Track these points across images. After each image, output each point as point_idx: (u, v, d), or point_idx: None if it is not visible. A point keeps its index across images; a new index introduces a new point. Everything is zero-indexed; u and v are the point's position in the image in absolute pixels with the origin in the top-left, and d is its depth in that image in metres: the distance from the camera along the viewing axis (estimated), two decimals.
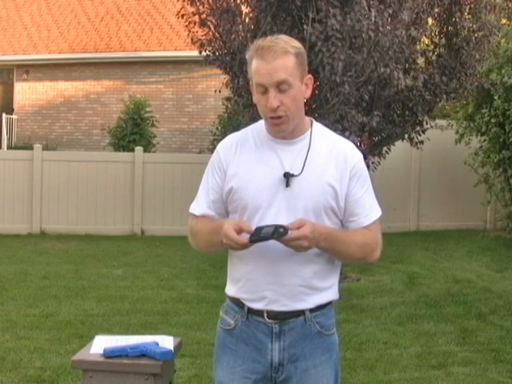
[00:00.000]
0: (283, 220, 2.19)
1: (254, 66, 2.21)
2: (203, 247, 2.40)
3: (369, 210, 2.30)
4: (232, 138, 2.37)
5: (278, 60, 2.17)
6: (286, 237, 2.11)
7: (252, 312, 2.29)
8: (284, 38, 2.25)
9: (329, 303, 2.32)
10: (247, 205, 2.24)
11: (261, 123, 2.35)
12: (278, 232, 2.10)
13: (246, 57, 2.28)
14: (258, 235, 2.12)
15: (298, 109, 2.25)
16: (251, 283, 2.28)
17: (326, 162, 2.26)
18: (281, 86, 2.18)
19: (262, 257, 2.23)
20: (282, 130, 2.24)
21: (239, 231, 2.14)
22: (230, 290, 2.37)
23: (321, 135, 2.32)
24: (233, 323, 2.33)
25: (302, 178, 2.22)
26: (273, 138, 2.29)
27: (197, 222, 2.36)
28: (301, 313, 2.27)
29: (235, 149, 2.32)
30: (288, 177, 2.22)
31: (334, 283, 2.34)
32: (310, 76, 2.29)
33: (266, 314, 2.26)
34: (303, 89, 2.25)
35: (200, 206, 2.36)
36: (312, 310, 2.27)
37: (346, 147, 2.31)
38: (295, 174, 2.22)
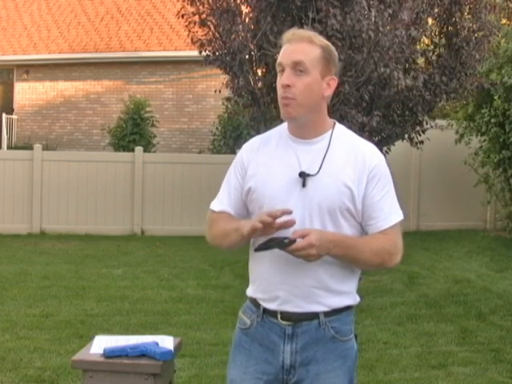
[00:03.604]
0: (298, 219, 2.18)
1: (281, 50, 2.25)
2: (219, 240, 2.37)
3: (387, 214, 2.26)
4: (256, 138, 2.41)
5: (301, 44, 2.21)
6: (293, 246, 2.10)
7: (267, 312, 2.28)
8: (314, 32, 2.31)
9: (347, 308, 2.29)
10: (263, 205, 2.24)
11: (284, 124, 2.36)
12: (281, 243, 2.10)
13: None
14: (265, 245, 2.13)
15: (311, 100, 2.22)
16: (265, 283, 2.28)
17: (344, 162, 2.24)
18: (297, 68, 2.19)
19: (276, 256, 2.21)
20: (290, 114, 2.23)
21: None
22: (249, 290, 2.38)
23: (342, 136, 2.31)
24: (249, 323, 2.33)
25: (319, 178, 2.21)
26: (293, 137, 2.29)
27: (217, 216, 2.36)
28: (315, 316, 2.24)
29: (257, 149, 2.34)
30: (304, 176, 2.21)
31: (353, 288, 2.31)
32: (334, 78, 2.27)
33: (279, 315, 2.26)
34: (323, 85, 2.24)
35: (220, 203, 2.37)
36: (327, 314, 2.25)
37: (366, 149, 2.29)
38: (311, 173, 2.21)
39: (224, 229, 2.32)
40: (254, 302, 2.33)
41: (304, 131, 2.27)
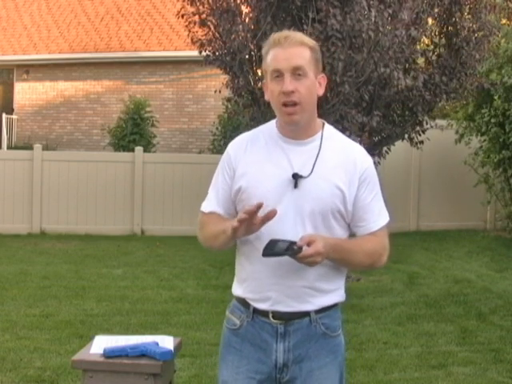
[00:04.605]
0: (290, 221, 2.19)
1: (271, 54, 2.22)
2: (210, 242, 2.37)
3: (377, 216, 2.30)
4: (243, 137, 2.38)
5: (295, 48, 2.20)
6: (302, 254, 2.10)
7: (257, 312, 2.28)
8: (299, 32, 2.30)
9: (334, 305, 2.32)
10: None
11: (272, 123, 2.35)
12: (291, 249, 2.10)
13: (262, 53, 2.28)
14: (272, 250, 2.11)
15: (311, 102, 2.24)
16: (256, 283, 2.27)
17: (335, 165, 2.25)
18: (297, 73, 2.18)
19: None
20: (295, 120, 2.22)
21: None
22: (237, 289, 2.37)
23: (332, 138, 2.31)
24: (238, 323, 2.33)
25: (311, 179, 2.22)
26: (284, 137, 2.28)
27: (206, 218, 2.37)
28: (306, 314, 2.26)
29: (245, 148, 2.32)
30: (297, 178, 2.21)
31: (340, 285, 2.34)
32: (323, 75, 2.29)
33: (271, 315, 2.26)
34: (317, 85, 2.25)
35: (210, 204, 2.37)
36: (317, 312, 2.27)
37: (357, 152, 2.31)
38: (304, 175, 2.22)
39: (213, 231, 2.32)
40: (243, 301, 2.32)
41: (297, 132, 2.27)
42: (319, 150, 2.25)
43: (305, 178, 2.21)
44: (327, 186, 2.22)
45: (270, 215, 2.11)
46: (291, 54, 2.19)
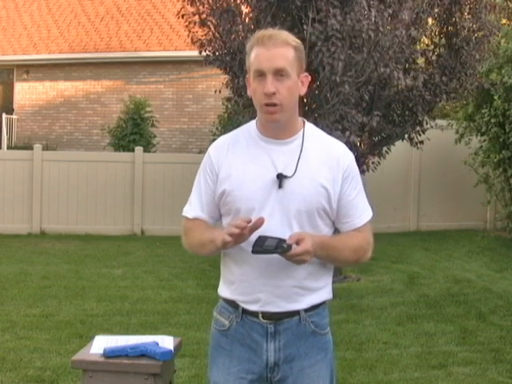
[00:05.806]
0: (277, 221, 2.19)
1: (254, 53, 2.21)
2: (196, 249, 2.36)
3: (361, 212, 2.31)
4: (223, 139, 2.37)
5: (279, 48, 2.18)
6: (291, 252, 2.10)
7: (247, 312, 2.28)
8: (285, 31, 2.28)
9: (322, 303, 2.33)
10: (240, 207, 2.23)
11: (252, 124, 2.34)
12: (281, 247, 2.09)
13: (247, 48, 2.27)
14: (261, 247, 2.10)
15: (292, 102, 2.24)
16: (245, 285, 2.27)
17: (318, 163, 2.25)
18: (279, 74, 2.18)
19: (255, 258, 2.20)
20: (275, 119, 2.22)
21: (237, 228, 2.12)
22: (224, 291, 2.35)
23: (313, 136, 2.31)
24: (227, 324, 2.32)
25: (295, 179, 2.22)
26: (265, 138, 2.28)
27: (191, 225, 2.35)
28: (295, 313, 2.27)
29: (226, 150, 2.31)
30: (281, 178, 2.21)
31: (328, 283, 2.34)
32: (306, 74, 2.29)
33: (260, 315, 2.26)
34: (299, 84, 2.25)
35: (193, 208, 2.36)
36: (306, 310, 2.28)
37: (339, 149, 2.32)
38: (288, 175, 2.21)
39: (200, 239, 2.31)
40: (232, 303, 2.32)
41: (278, 131, 2.27)
42: (301, 148, 2.25)
43: (289, 177, 2.21)
44: (312, 185, 2.22)
45: (258, 224, 2.12)
46: (274, 55, 2.17)
